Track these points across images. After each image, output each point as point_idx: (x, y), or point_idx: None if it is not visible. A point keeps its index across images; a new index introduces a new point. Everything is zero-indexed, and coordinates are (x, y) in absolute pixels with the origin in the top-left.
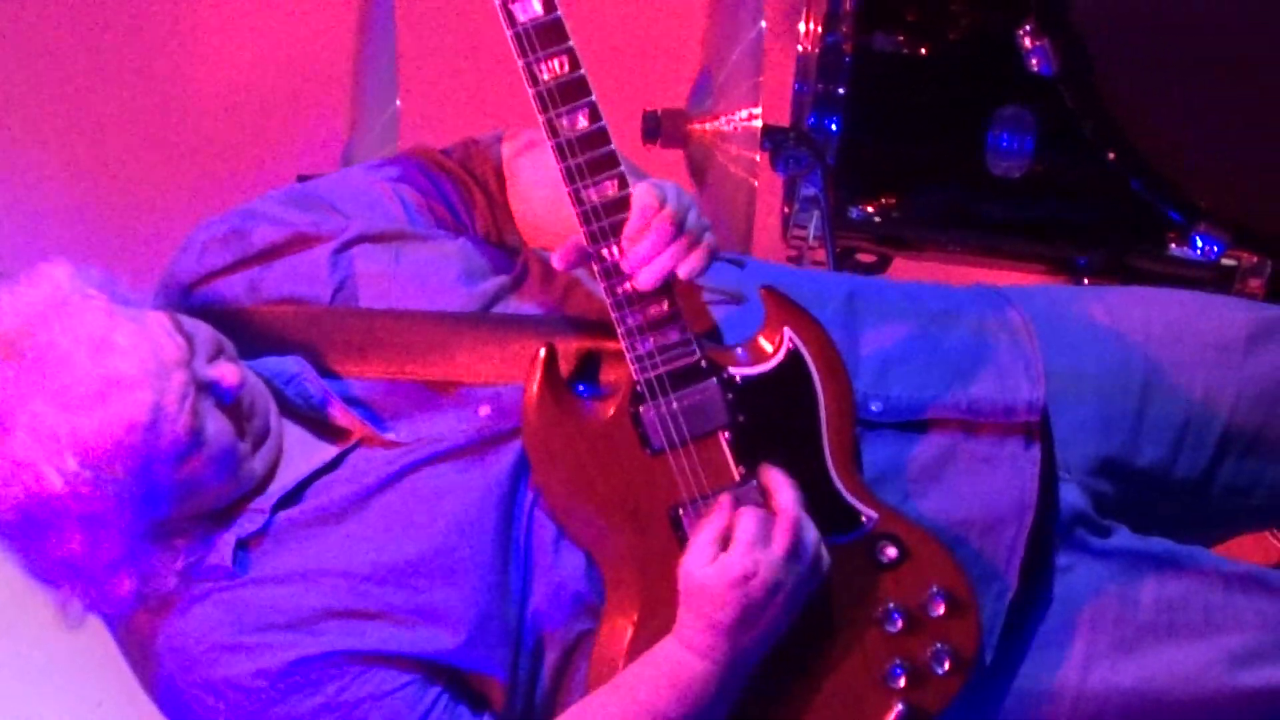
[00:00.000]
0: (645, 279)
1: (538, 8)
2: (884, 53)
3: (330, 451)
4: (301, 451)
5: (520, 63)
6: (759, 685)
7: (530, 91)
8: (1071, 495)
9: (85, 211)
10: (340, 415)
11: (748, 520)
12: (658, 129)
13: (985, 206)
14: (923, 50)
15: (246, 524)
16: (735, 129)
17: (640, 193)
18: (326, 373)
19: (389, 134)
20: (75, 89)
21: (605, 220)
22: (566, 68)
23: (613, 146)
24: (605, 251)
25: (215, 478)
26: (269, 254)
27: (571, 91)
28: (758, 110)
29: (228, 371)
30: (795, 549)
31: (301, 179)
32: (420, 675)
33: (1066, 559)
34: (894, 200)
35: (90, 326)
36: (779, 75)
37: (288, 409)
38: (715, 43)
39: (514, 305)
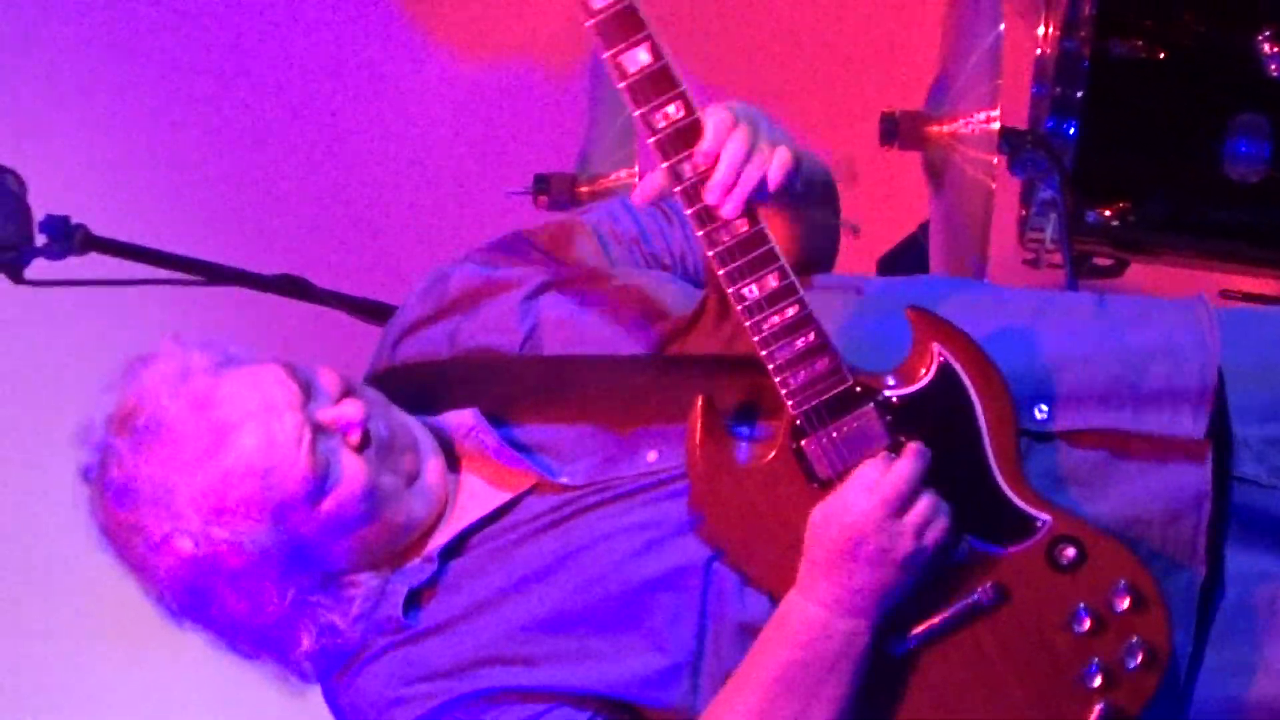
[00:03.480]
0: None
1: (645, 58)
2: (1121, 58)
3: (503, 498)
4: (476, 500)
5: (636, 113)
6: (951, 699)
7: (649, 141)
8: None
9: (323, 217)
10: (513, 463)
11: (861, 471)
12: (895, 130)
13: (1222, 212)
14: (1160, 56)
15: (416, 574)
16: (973, 131)
17: (711, 111)
18: (507, 421)
19: (626, 135)
20: (312, 96)
21: (741, 259)
22: (682, 112)
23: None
24: (744, 289)
25: (365, 519)
26: (465, 301)
27: (689, 137)
28: (995, 113)
29: (350, 409)
30: (895, 507)
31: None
32: (574, 699)
33: None
34: (1131, 205)
35: (194, 388)
36: (1017, 78)
37: (467, 461)
38: (953, 45)
39: (689, 344)
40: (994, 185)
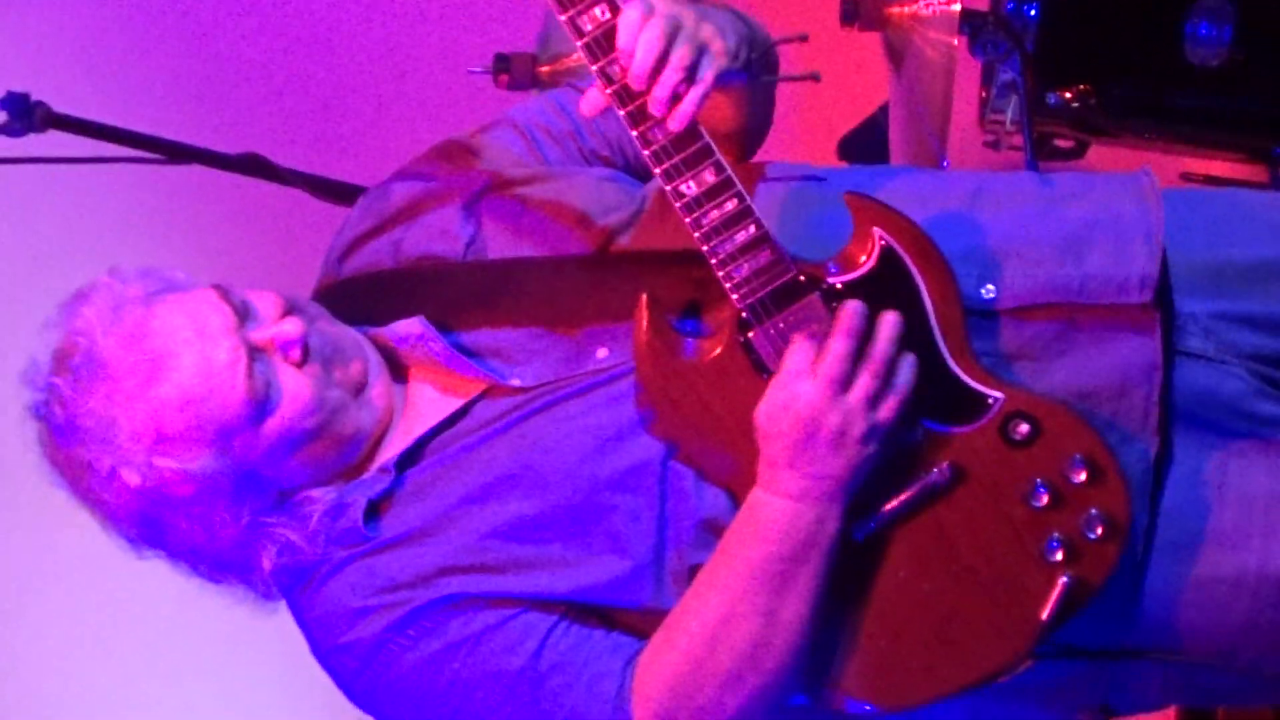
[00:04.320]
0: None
1: None
2: None
3: (454, 404)
4: (428, 408)
5: (562, 18)
6: (917, 583)
7: (578, 44)
8: (1234, 378)
9: (285, 97)
10: (463, 369)
11: (793, 354)
12: (856, 11)
13: (1182, 95)
14: None
15: (374, 484)
16: (934, 13)
17: (626, 8)
18: (454, 327)
19: None
20: None
21: (677, 156)
22: (608, 14)
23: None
24: (682, 186)
25: (313, 434)
26: (406, 212)
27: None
28: None
29: (288, 326)
30: (838, 382)
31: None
32: (540, 603)
33: (1231, 442)
34: (1091, 87)
35: (127, 320)
36: None
37: (415, 370)
38: None
39: (632, 238)
40: (955, 67)
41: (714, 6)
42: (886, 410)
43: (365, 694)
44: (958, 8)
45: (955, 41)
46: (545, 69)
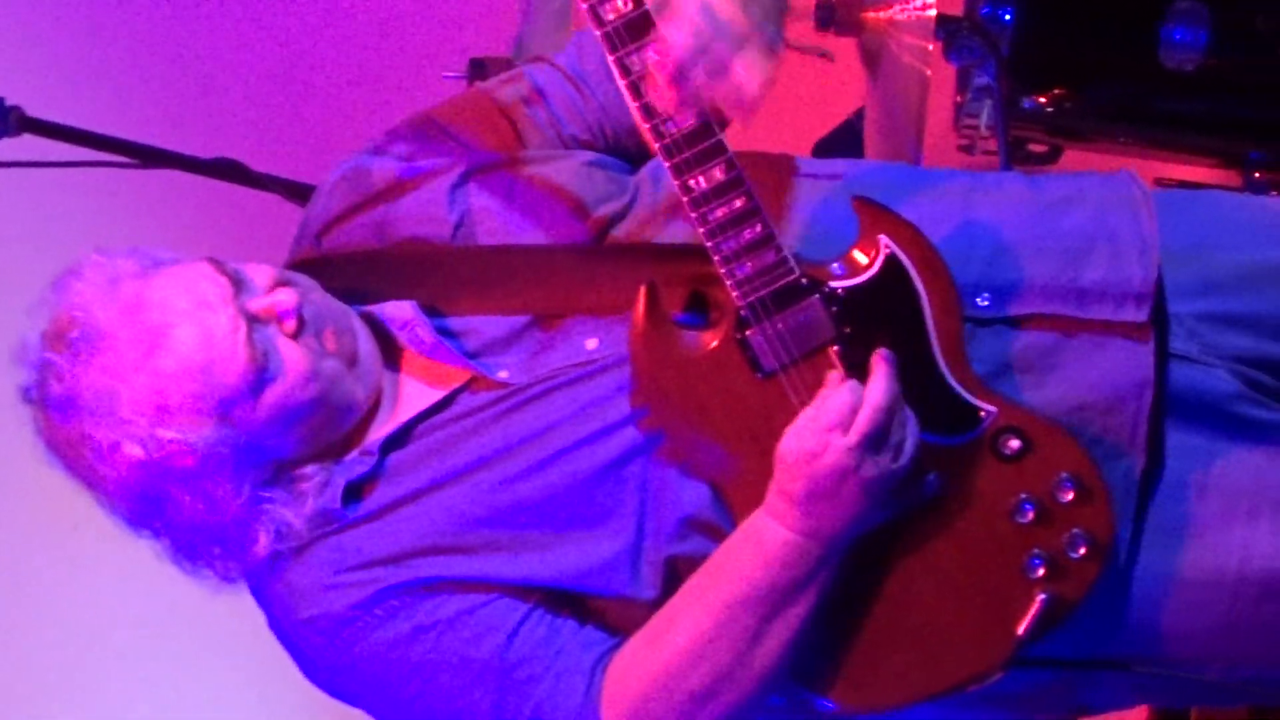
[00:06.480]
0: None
1: None
2: None
3: (439, 393)
4: (415, 394)
5: (584, 5)
6: (895, 589)
7: (596, 33)
8: (1218, 380)
9: (252, 98)
10: (450, 359)
11: (832, 403)
12: (832, 16)
13: (1158, 100)
14: None
15: (355, 467)
16: (909, 18)
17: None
18: (443, 312)
19: (562, 19)
20: None
21: (688, 152)
22: (630, 5)
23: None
24: (691, 181)
25: (312, 405)
26: (389, 192)
27: (638, 30)
28: (932, 0)
29: (283, 295)
30: (873, 439)
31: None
32: (514, 590)
33: (1215, 443)
34: (1066, 92)
35: (125, 293)
36: None
37: (404, 355)
38: None
39: (625, 230)
40: (929, 72)
41: None
42: (906, 456)
43: (327, 670)
44: (933, 13)
45: (930, 46)
46: None
